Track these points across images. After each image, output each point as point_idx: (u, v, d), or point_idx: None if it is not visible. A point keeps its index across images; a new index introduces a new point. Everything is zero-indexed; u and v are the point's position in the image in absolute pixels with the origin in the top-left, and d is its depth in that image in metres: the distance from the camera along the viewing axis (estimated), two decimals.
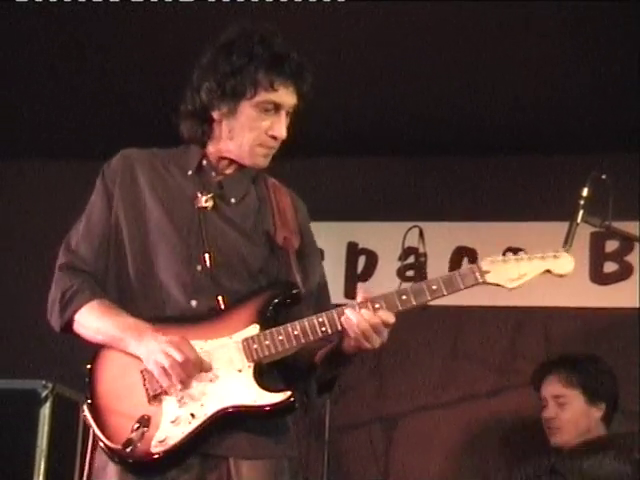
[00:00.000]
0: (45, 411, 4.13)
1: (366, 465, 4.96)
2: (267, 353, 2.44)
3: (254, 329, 2.47)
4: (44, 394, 4.14)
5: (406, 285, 4.08)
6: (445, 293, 2.49)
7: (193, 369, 2.41)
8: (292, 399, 2.42)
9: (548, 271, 2.51)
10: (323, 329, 2.45)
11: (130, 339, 2.46)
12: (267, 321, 2.48)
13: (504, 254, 2.54)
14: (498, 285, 2.50)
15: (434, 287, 2.48)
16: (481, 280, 2.49)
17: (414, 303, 2.46)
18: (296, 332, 2.45)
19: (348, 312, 2.43)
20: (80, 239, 2.63)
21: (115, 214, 2.62)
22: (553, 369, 4.14)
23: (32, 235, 5.36)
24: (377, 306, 2.44)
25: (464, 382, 4.95)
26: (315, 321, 2.45)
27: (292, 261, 2.59)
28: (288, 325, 2.46)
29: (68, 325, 2.57)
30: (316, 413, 4.38)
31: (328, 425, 4.60)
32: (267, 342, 2.45)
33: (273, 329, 2.46)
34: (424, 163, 5.24)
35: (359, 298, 2.46)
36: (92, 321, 2.53)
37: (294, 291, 2.54)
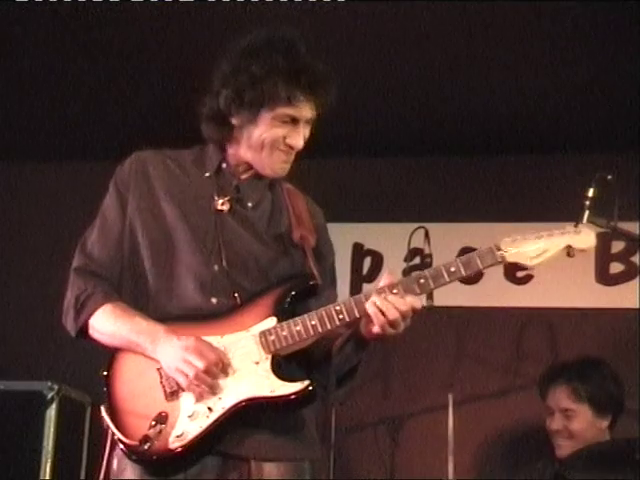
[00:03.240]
0: (51, 412, 4.14)
1: (371, 466, 4.96)
2: (284, 344, 2.44)
3: (271, 321, 2.47)
4: (50, 395, 4.15)
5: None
6: (464, 274, 2.43)
7: (217, 370, 2.41)
8: (310, 388, 2.40)
9: (569, 246, 2.46)
10: (340, 317, 2.44)
11: (145, 344, 2.46)
12: (284, 313, 2.49)
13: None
14: (518, 264, 2.44)
15: (452, 269, 2.43)
16: (500, 259, 2.42)
17: (432, 286, 2.43)
18: (313, 322, 2.44)
19: (376, 299, 2.40)
20: (95, 242, 2.63)
21: (130, 217, 2.62)
22: (559, 379, 4.09)
23: (40, 238, 5.37)
24: (395, 291, 2.42)
25: (469, 383, 4.95)
26: (332, 309, 2.44)
27: (309, 255, 2.59)
28: (305, 315, 2.45)
29: (83, 330, 2.56)
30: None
31: (334, 426, 4.60)
32: (284, 333, 2.44)
33: (290, 320, 2.46)
34: (430, 164, 5.24)
35: (383, 282, 2.44)
36: (107, 325, 2.53)
37: (311, 282, 2.55)
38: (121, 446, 2.41)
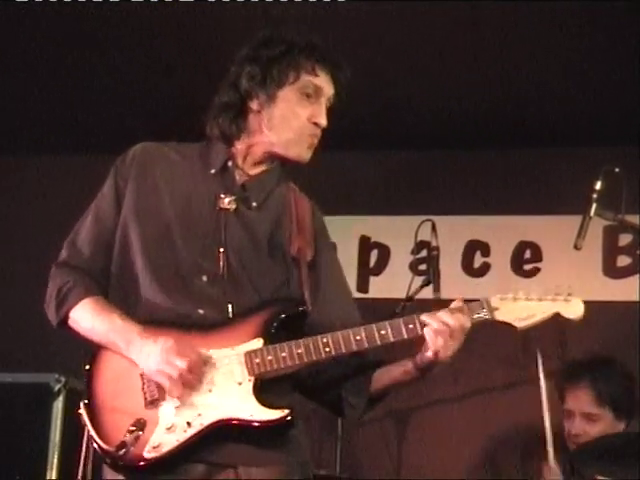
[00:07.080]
0: (58, 405, 4.14)
1: (378, 459, 4.96)
2: (269, 369, 2.41)
3: (257, 343, 2.43)
4: (57, 388, 4.15)
5: (418, 279, 4.12)
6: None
7: (199, 369, 2.38)
8: (288, 418, 2.38)
9: (558, 314, 2.55)
10: (327, 349, 2.42)
11: (120, 343, 2.43)
12: (271, 336, 2.45)
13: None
14: (506, 323, 2.47)
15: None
16: (489, 317, 2.47)
17: (419, 332, 2.55)
18: (299, 350, 2.42)
19: (426, 317, 2.50)
20: (85, 236, 2.59)
21: (124, 213, 2.56)
22: (582, 380, 3.93)
23: (44, 229, 5.37)
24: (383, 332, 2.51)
25: (476, 376, 4.94)
26: (319, 341, 2.43)
27: (303, 274, 2.56)
28: (292, 342, 2.42)
29: (64, 321, 2.54)
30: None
31: (341, 419, 4.60)
32: (270, 357, 2.41)
33: (277, 345, 2.42)
34: (437, 157, 5.24)
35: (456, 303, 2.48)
36: (85, 320, 2.50)
37: (300, 309, 2.51)
38: (96, 448, 2.39)
